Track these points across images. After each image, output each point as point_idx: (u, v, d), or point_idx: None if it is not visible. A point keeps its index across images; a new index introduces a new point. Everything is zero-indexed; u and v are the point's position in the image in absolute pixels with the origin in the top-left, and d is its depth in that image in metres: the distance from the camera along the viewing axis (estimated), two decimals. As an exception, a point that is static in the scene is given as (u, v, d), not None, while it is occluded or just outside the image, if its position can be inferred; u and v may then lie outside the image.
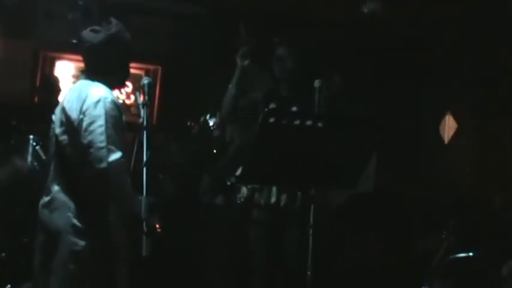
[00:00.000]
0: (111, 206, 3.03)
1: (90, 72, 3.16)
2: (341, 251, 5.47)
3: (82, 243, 2.96)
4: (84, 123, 2.95)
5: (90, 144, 2.90)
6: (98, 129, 2.91)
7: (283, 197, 4.06)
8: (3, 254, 4.86)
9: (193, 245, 5.27)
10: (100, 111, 2.94)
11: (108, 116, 2.95)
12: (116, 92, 3.32)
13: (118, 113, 3.02)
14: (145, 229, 2.68)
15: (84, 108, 2.97)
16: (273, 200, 4.09)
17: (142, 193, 2.81)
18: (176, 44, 6.79)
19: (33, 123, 5.24)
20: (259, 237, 4.21)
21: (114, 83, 3.23)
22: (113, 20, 3.17)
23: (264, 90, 4.30)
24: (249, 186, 4.17)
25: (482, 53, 5.93)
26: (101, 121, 2.92)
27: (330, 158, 3.06)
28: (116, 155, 2.88)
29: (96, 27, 3.14)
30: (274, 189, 4.08)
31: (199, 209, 5.29)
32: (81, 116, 2.97)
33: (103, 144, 2.88)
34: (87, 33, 3.13)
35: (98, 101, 2.96)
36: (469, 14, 5.51)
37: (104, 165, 2.86)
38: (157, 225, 4.59)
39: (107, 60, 3.13)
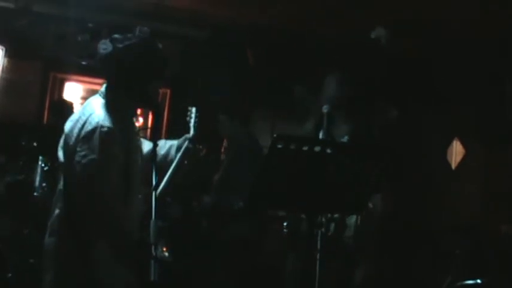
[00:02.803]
0: (100, 241, 2.86)
1: (106, 88, 2.98)
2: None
3: (67, 272, 2.86)
4: (77, 155, 2.79)
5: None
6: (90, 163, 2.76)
7: (332, 227, 3.98)
8: (10, 274, 4.88)
9: (202, 269, 5.25)
10: (95, 141, 2.78)
11: (102, 147, 2.78)
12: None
13: (112, 141, 2.82)
14: (154, 253, 2.64)
15: (82, 135, 2.82)
16: (322, 229, 4.04)
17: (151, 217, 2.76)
18: (184, 66, 6.82)
19: (43, 143, 5.27)
20: (297, 267, 4.14)
21: (129, 103, 3.00)
22: (138, 29, 2.93)
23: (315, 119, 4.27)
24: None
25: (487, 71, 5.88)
26: (94, 155, 2.77)
27: (337, 183, 3.06)
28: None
29: (115, 36, 2.91)
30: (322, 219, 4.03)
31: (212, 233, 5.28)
32: (76, 143, 2.82)
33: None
34: (99, 45, 2.91)
35: (94, 130, 2.80)
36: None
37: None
38: (164, 249, 4.60)
39: (115, 73, 2.92)
